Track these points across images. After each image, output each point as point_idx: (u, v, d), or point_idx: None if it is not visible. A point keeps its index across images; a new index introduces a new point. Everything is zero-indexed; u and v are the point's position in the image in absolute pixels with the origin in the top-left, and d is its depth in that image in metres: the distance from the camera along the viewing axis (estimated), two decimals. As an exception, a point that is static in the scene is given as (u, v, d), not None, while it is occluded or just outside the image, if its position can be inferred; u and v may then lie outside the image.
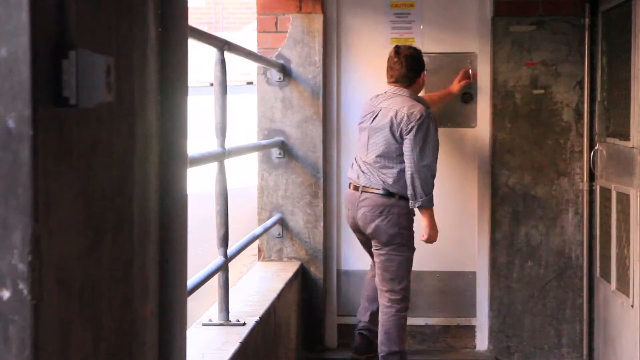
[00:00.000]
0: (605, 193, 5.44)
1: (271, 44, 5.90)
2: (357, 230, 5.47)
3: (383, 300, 5.38)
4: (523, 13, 5.78)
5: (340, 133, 6.07)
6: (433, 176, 5.23)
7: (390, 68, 5.43)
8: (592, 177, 5.74)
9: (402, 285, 5.33)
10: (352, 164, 5.51)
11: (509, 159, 5.83)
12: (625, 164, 5.01)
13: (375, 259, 5.39)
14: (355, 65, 6.13)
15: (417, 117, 5.21)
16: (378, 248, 5.33)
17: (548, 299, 5.86)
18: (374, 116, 5.36)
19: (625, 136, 4.98)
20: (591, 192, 5.76)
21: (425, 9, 6.03)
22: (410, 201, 5.22)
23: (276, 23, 5.89)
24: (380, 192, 5.29)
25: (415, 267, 5.46)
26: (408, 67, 5.37)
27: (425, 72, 5.48)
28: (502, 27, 5.80)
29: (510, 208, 5.83)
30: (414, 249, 5.38)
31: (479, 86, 5.94)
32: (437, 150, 5.25)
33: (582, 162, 5.77)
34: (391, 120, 5.27)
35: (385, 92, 5.45)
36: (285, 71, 5.84)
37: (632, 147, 4.84)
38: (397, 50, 5.42)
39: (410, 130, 5.21)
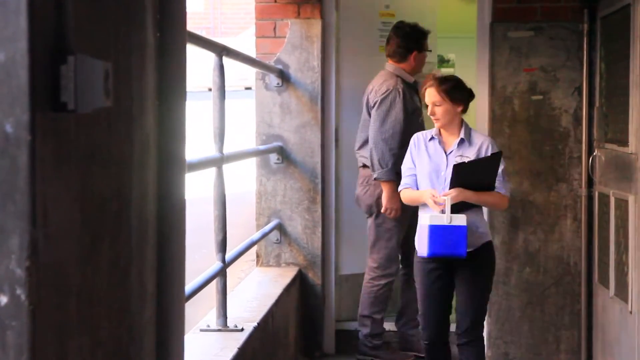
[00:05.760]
0: (604, 199, 5.44)
1: (269, 49, 5.90)
2: None
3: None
4: (521, 19, 5.79)
5: (338, 138, 6.08)
6: (391, 149, 5.42)
7: (386, 42, 5.71)
8: (590, 183, 5.74)
9: (379, 255, 5.64)
10: None
11: (508, 164, 5.81)
12: (623, 170, 5.01)
13: None
14: (354, 70, 6.15)
15: (383, 91, 5.49)
16: (366, 217, 5.69)
17: (546, 305, 5.85)
18: (366, 97, 5.64)
19: (624, 142, 4.98)
20: (590, 198, 5.76)
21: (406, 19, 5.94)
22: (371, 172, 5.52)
23: (275, 28, 5.89)
24: (367, 165, 5.61)
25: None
26: (398, 44, 5.61)
27: (421, 53, 5.61)
28: (501, 33, 5.81)
29: (508, 214, 5.83)
30: (395, 221, 5.57)
31: (478, 92, 5.94)
32: (399, 124, 5.43)
33: (581, 168, 5.77)
34: (366, 98, 5.60)
35: None
36: (284, 76, 5.84)
37: (631, 153, 4.84)
38: (396, 25, 5.68)
39: (374, 105, 5.51)
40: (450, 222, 4.51)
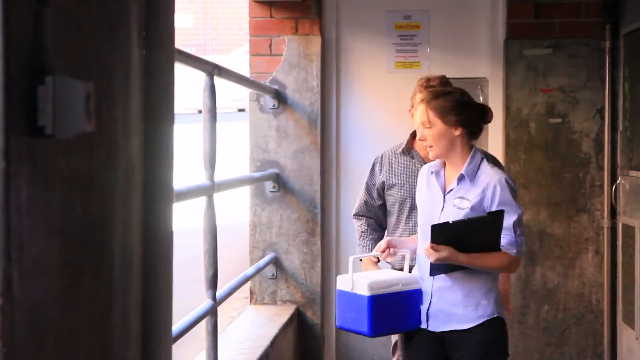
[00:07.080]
0: (628, 231, 5.44)
1: (265, 68, 5.92)
2: None
3: None
4: (538, 35, 5.81)
5: (339, 165, 6.09)
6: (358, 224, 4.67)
7: None
8: (613, 213, 5.74)
9: None
10: None
11: (524, 193, 5.83)
12: (650, 199, 5.02)
13: None
14: (356, 91, 6.16)
15: None
16: None
17: (566, 346, 5.84)
18: None
19: (650, 169, 5.00)
20: (613, 229, 5.76)
21: (432, 30, 6.07)
22: None
23: (270, 45, 5.92)
24: None
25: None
26: None
27: (411, 109, 4.46)
28: (516, 51, 5.83)
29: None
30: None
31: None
32: (361, 199, 4.65)
33: (603, 197, 5.78)
34: None
35: None
36: (280, 97, 5.86)
37: (658, 181, 4.86)
38: None
39: None
40: (352, 289, 3.75)
